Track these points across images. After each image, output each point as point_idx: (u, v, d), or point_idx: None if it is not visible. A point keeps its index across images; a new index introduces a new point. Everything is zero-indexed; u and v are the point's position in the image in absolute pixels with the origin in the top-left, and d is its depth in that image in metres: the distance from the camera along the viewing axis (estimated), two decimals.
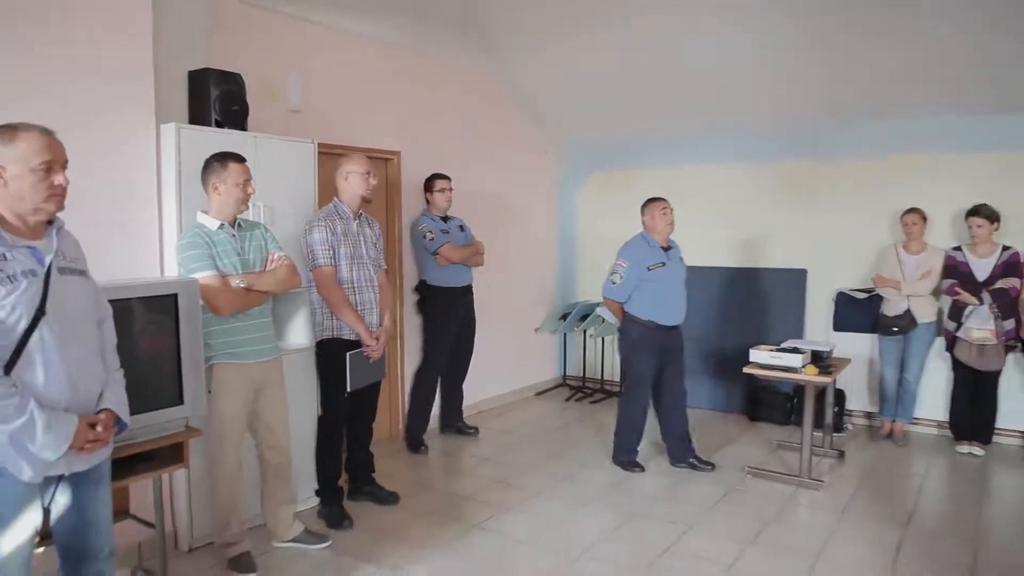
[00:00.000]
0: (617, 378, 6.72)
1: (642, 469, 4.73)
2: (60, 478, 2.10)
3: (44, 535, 2.22)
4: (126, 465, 2.72)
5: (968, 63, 4.81)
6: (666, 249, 4.69)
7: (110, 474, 2.29)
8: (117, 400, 2.21)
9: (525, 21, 5.11)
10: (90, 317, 2.18)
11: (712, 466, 4.75)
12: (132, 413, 2.29)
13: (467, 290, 5.23)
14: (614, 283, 4.62)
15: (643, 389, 4.71)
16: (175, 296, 2.84)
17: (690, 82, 5.65)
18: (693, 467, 4.75)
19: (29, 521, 2.04)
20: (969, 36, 4.60)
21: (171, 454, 2.89)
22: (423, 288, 5.11)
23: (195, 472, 3.40)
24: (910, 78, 5.07)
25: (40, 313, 1.98)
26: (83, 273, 2.19)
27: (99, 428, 2.10)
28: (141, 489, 3.19)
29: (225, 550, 3.33)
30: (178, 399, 2.84)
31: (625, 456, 4.78)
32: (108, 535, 2.28)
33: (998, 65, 4.78)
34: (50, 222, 2.14)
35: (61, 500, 2.14)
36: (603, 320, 6.34)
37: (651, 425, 4.86)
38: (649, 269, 4.58)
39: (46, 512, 2.12)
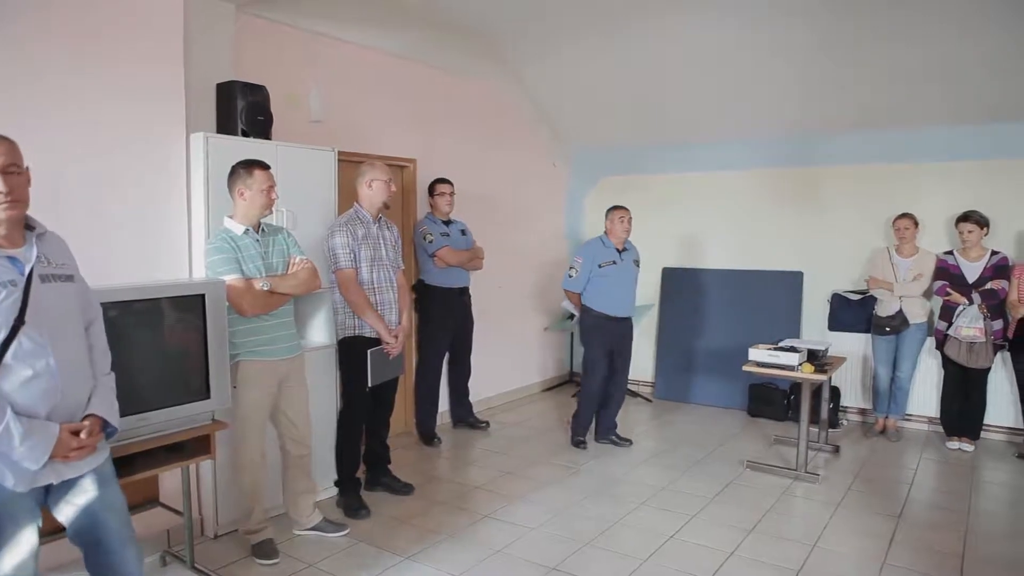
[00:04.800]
0: None
1: (585, 445, 5.04)
2: (51, 485, 1.99)
3: (52, 531, 2.14)
4: (156, 456, 2.73)
5: (958, 74, 4.78)
6: (621, 251, 4.93)
7: (114, 473, 2.18)
8: (105, 404, 2.08)
9: (534, 32, 5.10)
10: (76, 322, 2.05)
11: (630, 442, 5.09)
12: (161, 407, 2.28)
13: (463, 291, 5.18)
14: (571, 276, 5.00)
15: (599, 372, 4.98)
16: (203, 296, 2.84)
17: (693, 92, 5.64)
18: (614, 443, 5.09)
19: (25, 529, 1.95)
20: (959, 48, 4.56)
21: (198, 445, 2.89)
22: (420, 288, 5.11)
23: (221, 463, 3.42)
24: (903, 88, 5.04)
25: (19, 323, 1.87)
26: (70, 278, 2.06)
27: (83, 435, 1.98)
28: (170, 478, 3.22)
29: (249, 537, 3.34)
30: (205, 393, 2.85)
31: (575, 434, 5.10)
32: (124, 531, 2.15)
33: (986, 76, 4.74)
34: (31, 228, 2.01)
35: (65, 506, 2.04)
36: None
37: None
38: (600, 266, 4.89)
39: (48, 516, 2.04)
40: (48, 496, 2.03)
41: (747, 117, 5.79)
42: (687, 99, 5.74)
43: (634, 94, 5.85)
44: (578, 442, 5.05)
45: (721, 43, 4.98)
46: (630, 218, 4.93)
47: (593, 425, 5.17)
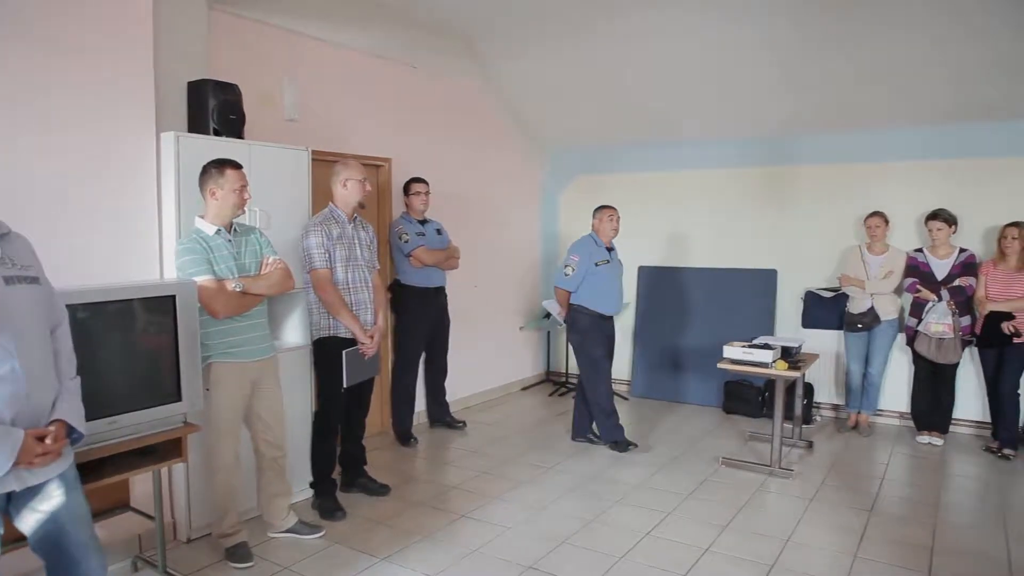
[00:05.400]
0: None
1: (635, 446, 4.89)
2: (13, 492, 1.94)
3: (13, 540, 2.09)
4: (126, 459, 2.69)
5: (927, 75, 4.87)
6: (609, 249, 4.92)
7: (79, 480, 2.12)
8: (71, 409, 2.03)
9: (509, 31, 5.11)
10: (41, 326, 2.00)
11: (600, 438, 5.04)
12: (131, 410, 2.24)
13: (439, 291, 5.16)
14: (567, 275, 4.87)
15: (602, 369, 4.91)
16: (173, 297, 2.81)
17: (667, 91, 5.68)
18: (591, 441, 5.08)
19: None
20: (927, 50, 4.64)
21: (170, 448, 2.86)
22: (396, 287, 5.08)
23: (193, 466, 3.38)
24: (873, 90, 5.12)
25: None
26: (35, 280, 2.00)
27: (48, 441, 1.92)
28: (141, 482, 3.17)
29: (223, 540, 3.31)
30: (176, 396, 2.82)
31: (614, 436, 4.93)
32: (88, 539, 2.09)
33: (954, 77, 4.83)
34: None
35: (27, 513, 1.99)
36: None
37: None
38: (596, 265, 4.83)
39: (9, 525, 1.99)
40: (9, 503, 1.98)
41: (721, 116, 5.85)
42: (661, 98, 5.78)
43: (609, 93, 5.88)
44: (620, 443, 4.87)
45: (694, 43, 5.02)
46: (618, 217, 4.92)
47: (571, 424, 5.19)
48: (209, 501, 3.39)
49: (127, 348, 2.75)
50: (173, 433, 2.84)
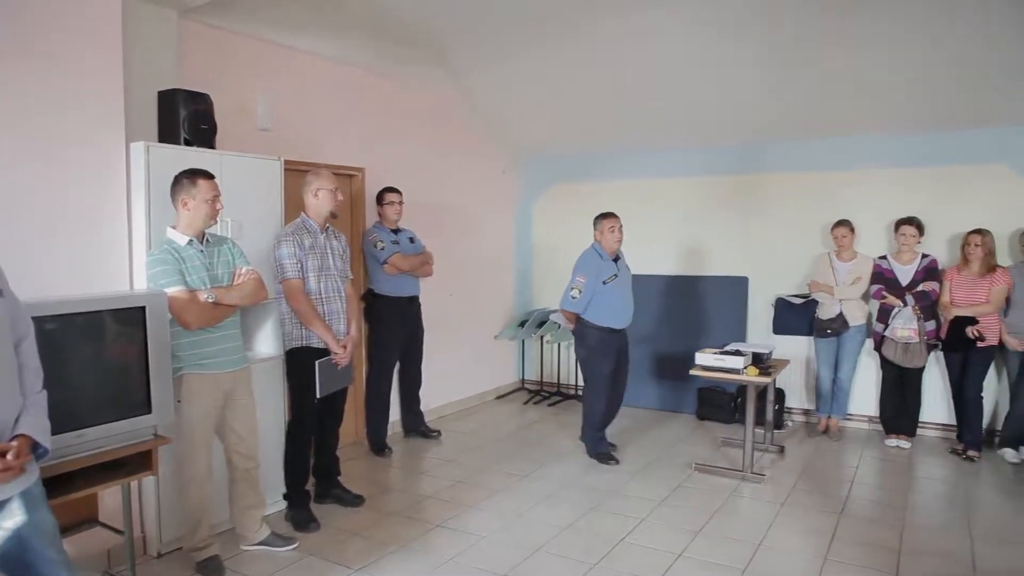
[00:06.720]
0: (572, 381, 6.78)
1: (617, 462, 4.85)
2: None
3: None
4: (95, 473, 2.66)
5: (892, 86, 4.99)
6: (615, 260, 4.82)
7: (44, 495, 2.07)
8: (35, 424, 1.98)
9: (483, 40, 5.13)
10: (4, 339, 1.95)
11: (615, 447, 5.04)
12: (100, 423, 2.21)
13: (413, 300, 5.17)
14: (574, 297, 4.73)
15: (602, 387, 4.85)
16: (143, 308, 2.79)
17: (640, 101, 5.75)
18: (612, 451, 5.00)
19: None
20: (892, 61, 4.76)
21: (140, 461, 2.83)
22: (370, 297, 5.08)
23: (164, 479, 3.34)
24: (841, 99, 5.23)
25: None
26: None
27: (11, 456, 1.87)
28: (110, 496, 3.13)
29: (194, 554, 3.27)
30: (146, 408, 2.79)
31: (598, 449, 4.92)
32: (55, 556, 2.03)
33: (918, 88, 4.95)
34: None
35: None
36: (559, 326, 6.38)
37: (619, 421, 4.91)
38: (604, 283, 4.72)
39: None
40: None
41: (693, 125, 5.93)
42: (634, 107, 5.85)
43: (582, 102, 5.94)
44: (603, 456, 4.86)
45: (666, 52, 5.08)
46: (621, 226, 4.81)
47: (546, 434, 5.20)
48: (180, 514, 3.35)
49: (96, 360, 2.72)
50: (143, 446, 2.81)
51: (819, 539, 3.64)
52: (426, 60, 5.41)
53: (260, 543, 3.49)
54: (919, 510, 4.09)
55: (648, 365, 6.41)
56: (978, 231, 4.93)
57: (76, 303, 2.63)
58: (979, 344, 4.86)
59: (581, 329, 4.84)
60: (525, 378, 7.23)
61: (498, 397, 6.87)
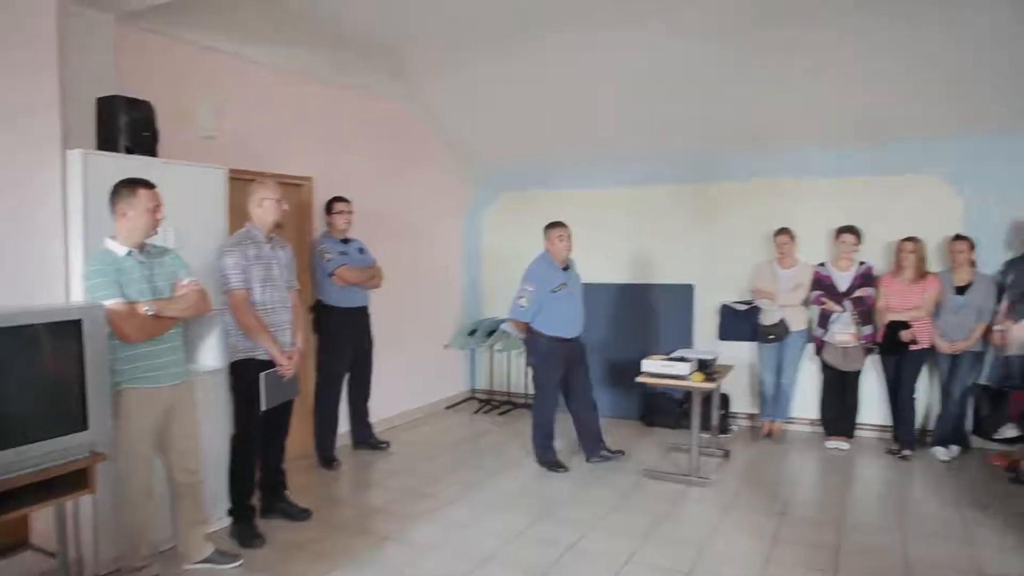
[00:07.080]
0: (523, 390, 6.80)
1: (566, 469, 4.87)
2: None
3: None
4: (27, 493, 2.56)
5: (831, 99, 5.18)
6: (565, 269, 4.84)
7: None
8: None
9: (434, 49, 5.13)
10: None
11: (622, 452, 5.09)
12: (32, 441, 2.14)
13: (362, 311, 5.14)
14: (522, 306, 4.76)
15: (551, 396, 4.88)
16: (79, 322, 2.71)
17: (589, 110, 5.82)
18: (605, 458, 5.00)
19: None
20: (832, 75, 4.94)
21: (75, 480, 2.74)
22: (319, 308, 5.03)
23: (101, 497, 3.22)
24: (782, 110, 5.39)
25: None
26: None
27: None
28: (42, 517, 3.01)
29: (133, 575, 3.18)
30: (82, 425, 2.71)
31: (547, 457, 4.93)
32: None
33: (856, 101, 5.15)
34: None
35: None
36: (508, 335, 6.41)
37: (567, 428, 5.03)
38: (553, 291, 4.74)
39: None
40: None
41: (639, 135, 6.02)
42: (583, 116, 5.92)
43: (532, 112, 5.99)
44: (552, 464, 4.87)
45: (616, 63, 5.16)
46: (570, 234, 4.85)
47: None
48: (119, 534, 3.25)
49: (29, 376, 2.63)
50: (77, 464, 2.72)
51: (761, 540, 3.74)
52: (377, 68, 5.39)
53: (204, 561, 3.41)
54: (856, 509, 4.22)
55: (598, 372, 6.44)
56: (911, 239, 5.14)
57: (8, 316, 2.54)
58: (912, 347, 5.06)
59: (532, 338, 4.87)
60: (475, 387, 7.23)
61: (448, 407, 6.85)
